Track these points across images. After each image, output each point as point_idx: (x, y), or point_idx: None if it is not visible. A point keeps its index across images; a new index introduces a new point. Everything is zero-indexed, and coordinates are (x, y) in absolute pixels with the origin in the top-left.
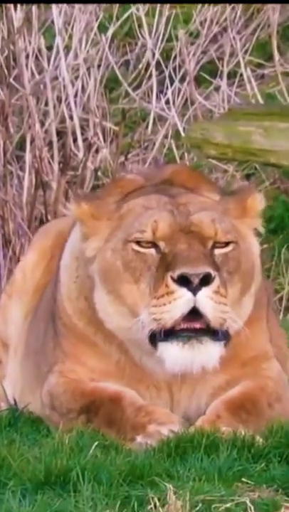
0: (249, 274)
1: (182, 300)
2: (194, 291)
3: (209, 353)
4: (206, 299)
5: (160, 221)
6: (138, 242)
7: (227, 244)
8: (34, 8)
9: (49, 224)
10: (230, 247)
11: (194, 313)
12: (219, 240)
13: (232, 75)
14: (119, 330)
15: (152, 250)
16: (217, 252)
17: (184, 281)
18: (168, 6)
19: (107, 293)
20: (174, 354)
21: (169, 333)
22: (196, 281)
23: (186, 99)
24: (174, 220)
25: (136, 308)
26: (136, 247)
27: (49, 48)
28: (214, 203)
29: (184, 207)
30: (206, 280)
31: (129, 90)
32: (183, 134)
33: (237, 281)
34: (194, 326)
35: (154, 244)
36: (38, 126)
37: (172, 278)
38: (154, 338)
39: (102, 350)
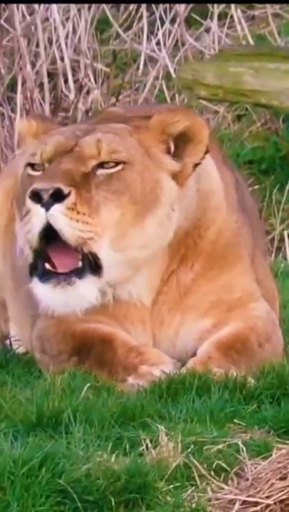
0: (149, 197)
1: (36, 217)
2: (46, 206)
3: (82, 293)
4: (58, 215)
5: (48, 144)
6: (32, 166)
7: (116, 164)
8: None
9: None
10: (117, 168)
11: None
12: (104, 160)
13: (222, 16)
14: None
15: (40, 173)
16: (100, 172)
17: (37, 197)
18: None
19: (20, 219)
20: (47, 296)
21: (44, 272)
22: (45, 196)
23: (177, 41)
24: (62, 143)
25: None
26: (29, 171)
27: None
28: (124, 126)
29: (90, 132)
30: (58, 196)
31: (120, 31)
32: (174, 75)
33: (127, 203)
34: (63, 270)
35: (43, 167)
36: (29, 67)
37: (28, 195)
38: (32, 270)
39: None
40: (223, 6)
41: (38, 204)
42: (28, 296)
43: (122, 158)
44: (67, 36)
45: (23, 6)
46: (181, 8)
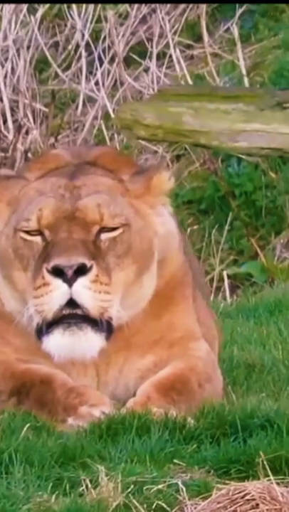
0: (146, 254)
1: (58, 292)
2: (69, 282)
3: (88, 341)
4: (82, 290)
5: (45, 209)
6: (26, 231)
7: (116, 228)
8: None
9: None
10: (119, 231)
11: (74, 303)
12: (106, 225)
13: (161, 56)
14: (16, 314)
15: (38, 238)
16: (104, 236)
17: (58, 272)
18: None
19: (3, 277)
20: (56, 343)
21: (53, 324)
22: (69, 272)
23: (116, 81)
24: (58, 207)
25: (25, 295)
26: (24, 235)
27: None
28: (112, 183)
29: (77, 190)
30: (81, 270)
31: (59, 71)
32: (113, 115)
33: (130, 264)
34: (76, 312)
35: (40, 232)
36: None
37: (47, 270)
38: (40, 332)
39: (24, 328)
40: (161, 45)
41: (59, 279)
42: None
43: (123, 220)
44: (5, 76)
45: None
46: (120, 48)
